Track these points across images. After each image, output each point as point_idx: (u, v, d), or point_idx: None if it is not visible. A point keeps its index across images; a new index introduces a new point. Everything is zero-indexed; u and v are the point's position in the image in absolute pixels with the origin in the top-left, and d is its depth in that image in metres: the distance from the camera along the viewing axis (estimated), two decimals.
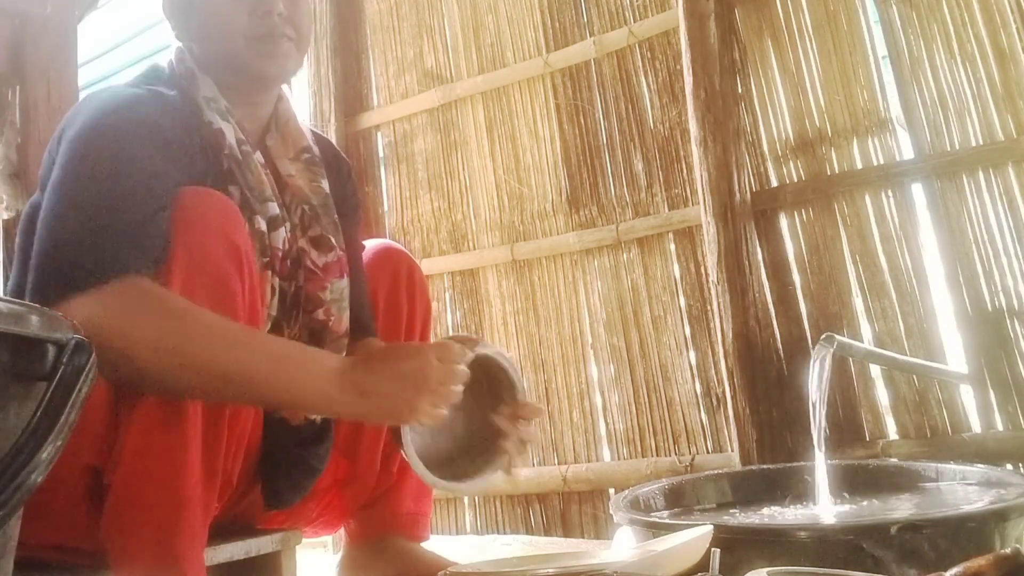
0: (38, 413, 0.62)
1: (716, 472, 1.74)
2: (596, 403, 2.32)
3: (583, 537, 2.23)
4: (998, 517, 1.13)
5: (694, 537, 1.07)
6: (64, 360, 0.64)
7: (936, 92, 1.91)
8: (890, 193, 1.95)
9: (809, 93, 2.06)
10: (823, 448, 1.50)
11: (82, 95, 1.59)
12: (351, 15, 2.85)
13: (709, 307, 2.12)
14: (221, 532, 1.21)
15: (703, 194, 2.09)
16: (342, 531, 1.57)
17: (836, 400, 1.94)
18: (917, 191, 1.94)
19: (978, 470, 1.47)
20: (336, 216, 1.35)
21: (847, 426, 1.95)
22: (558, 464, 2.32)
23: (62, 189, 1.06)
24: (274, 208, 1.23)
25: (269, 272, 1.21)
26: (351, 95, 2.82)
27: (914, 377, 1.89)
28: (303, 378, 1.07)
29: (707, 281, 2.12)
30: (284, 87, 1.37)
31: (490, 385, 1.25)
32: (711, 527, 1.09)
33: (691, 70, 2.12)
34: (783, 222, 2.07)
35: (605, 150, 2.35)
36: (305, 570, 1.52)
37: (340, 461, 1.42)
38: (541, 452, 2.35)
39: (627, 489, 1.56)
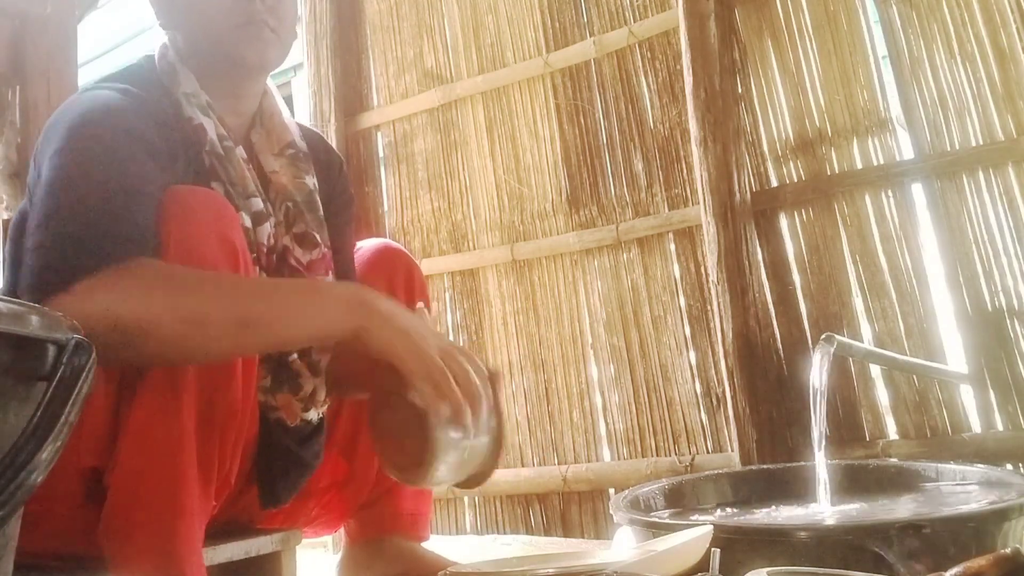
0: (38, 413, 0.62)
1: (716, 472, 1.73)
2: (596, 403, 2.31)
3: (583, 537, 2.23)
4: (998, 517, 1.13)
5: (694, 537, 1.07)
6: (64, 360, 0.64)
7: (936, 92, 1.91)
8: (890, 193, 1.95)
9: (809, 93, 2.06)
10: (823, 448, 1.50)
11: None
12: (351, 15, 2.85)
13: (709, 307, 2.12)
14: (220, 532, 1.21)
15: (703, 194, 2.09)
16: (342, 531, 1.57)
17: (836, 400, 1.94)
18: (917, 191, 1.94)
19: (978, 470, 1.47)
20: (322, 213, 1.34)
21: (847, 426, 1.95)
22: (558, 464, 2.32)
23: (54, 193, 1.04)
24: (258, 204, 1.22)
25: (256, 268, 1.20)
26: (351, 95, 2.82)
27: (914, 377, 1.89)
28: (322, 305, 1.07)
29: (707, 281, 2.12)
30: (272, 84, 1.36)
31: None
32: (711, 527, 1.09)
33: (691, 70, 2.12)
34: (783, 222, 2.07)
35: (605, 150, 2.35)
36: (305, 570, 1.52)
37: (339, 461, 1.42)
38: (541, 452, 2.36)
39: (627, 489, 1.55)
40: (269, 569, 1.27)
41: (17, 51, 1.92)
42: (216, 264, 1.07)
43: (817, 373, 1.54)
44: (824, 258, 2.01)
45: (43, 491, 0.63)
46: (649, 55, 2.28)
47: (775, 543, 1.13)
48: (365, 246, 1.51)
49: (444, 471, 1.08)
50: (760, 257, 2.07)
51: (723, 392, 2.07)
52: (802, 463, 1.65)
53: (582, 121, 2.39)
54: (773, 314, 2.05)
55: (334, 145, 2.72)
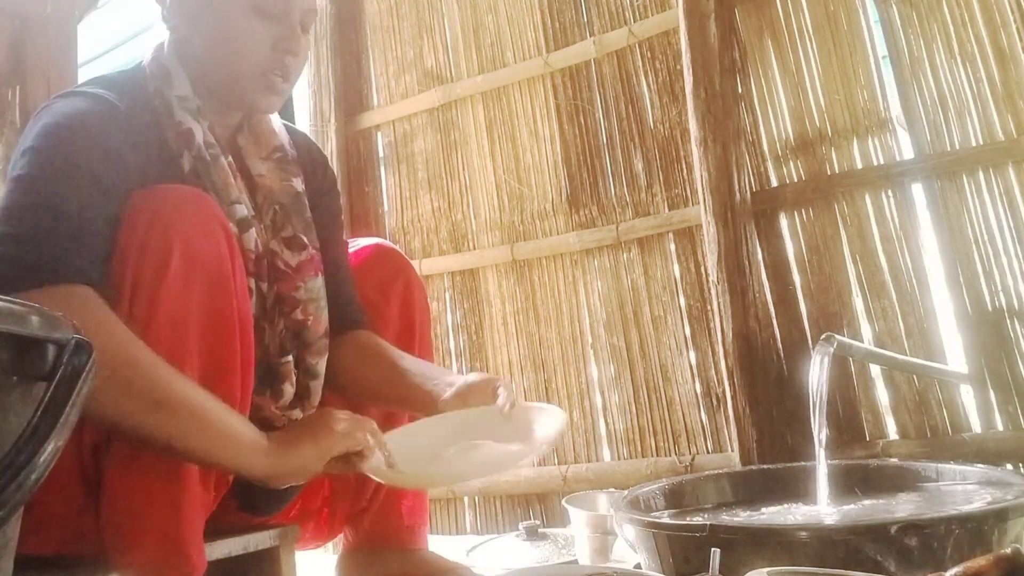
0: (38, 413, 0.62)
1: (716, 472, 1.73)
2: (596, 403, 2.32)
3: None
4: (998, 517, 1.13)
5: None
6: (64, 360, 0.64)
7: (936, 92, 1.91)
8: (890, 193, 1.95)
9: (809, 93, 2.06)
10: (823, 448, 1.50)
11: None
12: (351, 15, 2.85)
13: (709, 307, 2.12)
14: (218, 530, 1.20)
15: (703, 194, 2.09)
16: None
17: (836, 400, 1.94)
18: (917, 191, 1.94)
19: (978, 470, 1.47)
20: (309, 215, 1.34)
21: (847, 426, 1.95)
22: (558, 464, 2.32)
23: (10, 197, 1.03)
24: (243, 210, 1.21)
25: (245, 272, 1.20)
26: (351, 95, 2.82)
27: (914, 377, 1.89)
28: (225, 451, 1.05)
29: (707, 281, 2.12)
30: None
31: None
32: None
33: (691, 70, 2.12)
34: (783, 222, 2.07)
35: (605, 150, 2.35)
36: (305, 569, 1.52)
37: (327, 480, 1.42)
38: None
39: (627, 489, 1.55)
40: (268, 565, 1.27)
41: (17, 51, 1.92)
42: (217, 258, 1.07)
43: (817, 373, 1.53)
44: (824, 258, 2.01)
45: (43, 491, 0.63)
46: (649, 55, 2.28)
47: (775, 543, 1.13)
48: (359, 245, 1.51)
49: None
50: (760, 257, 2.07)
51: (723, 392, 2.07)
52: (802, 463, 1.65)
53: (582, 121, 2.39)
54: (773, 314, 2.05)
55: (334, 145, 2.75)
